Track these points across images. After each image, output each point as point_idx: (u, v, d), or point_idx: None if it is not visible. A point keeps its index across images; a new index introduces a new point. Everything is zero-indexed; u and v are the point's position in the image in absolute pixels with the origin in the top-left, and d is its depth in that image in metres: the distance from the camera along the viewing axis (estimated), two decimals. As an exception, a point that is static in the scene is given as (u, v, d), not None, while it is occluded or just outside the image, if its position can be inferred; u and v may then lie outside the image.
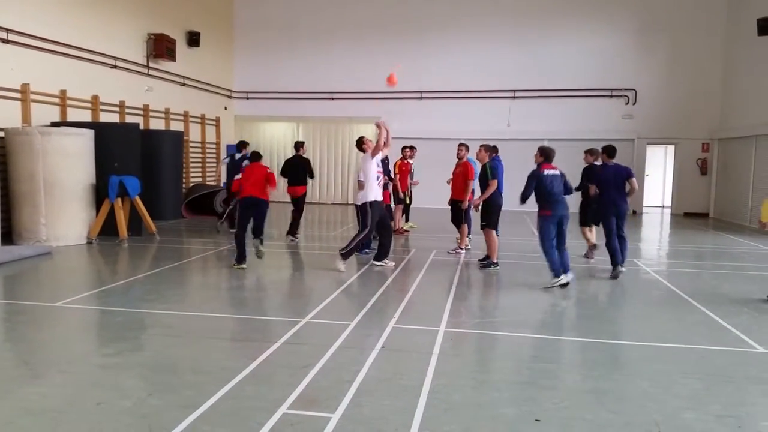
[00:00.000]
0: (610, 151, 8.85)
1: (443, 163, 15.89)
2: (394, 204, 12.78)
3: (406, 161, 12.71)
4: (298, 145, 11.68)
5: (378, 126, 8.80)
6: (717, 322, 6.13)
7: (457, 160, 10.20)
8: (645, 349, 5.24)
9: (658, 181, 20.87)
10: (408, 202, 13.16)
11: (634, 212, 18.57)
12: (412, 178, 13.21)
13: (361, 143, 9.13)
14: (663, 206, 20.68)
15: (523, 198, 7.83)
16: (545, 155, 8.03)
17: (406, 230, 12.90)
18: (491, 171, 9.00)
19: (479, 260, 9.25)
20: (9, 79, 11.07)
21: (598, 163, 9.29)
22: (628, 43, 18.43)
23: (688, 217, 17.64)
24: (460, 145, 10.23)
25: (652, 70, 18.31)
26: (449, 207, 10.36)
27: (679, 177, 18.64)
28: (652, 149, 19.29)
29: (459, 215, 10.09)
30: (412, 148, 12.94)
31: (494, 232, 9.00)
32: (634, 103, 18.47)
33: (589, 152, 9.85)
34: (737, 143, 16.76)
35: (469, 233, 10.36)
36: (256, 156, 9.21)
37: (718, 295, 7.42)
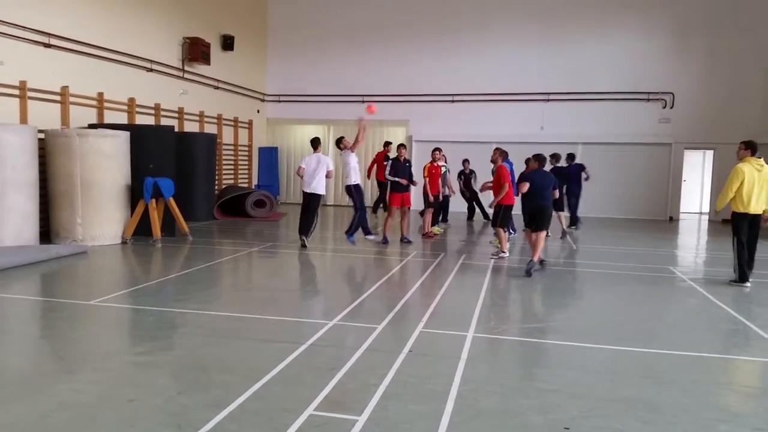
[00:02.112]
0: (572, 156, 13.90)
1: (475, 167, 15.84)
2: (424, 207, 12.75)
3: (435, 164, 12.65)
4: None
5: (359, 124, 10.97)
6: (755, 332, 5.95)
7: (491, 164, 10.66)
8: (679, 359, 5.11)
9: (695, 186, 20.38)
10: (440, 203, 13.14)
11: (671, 218, 18.19)
12: (444, 182, 13.19)
13: (339, 142, 11.14)
14: (701, 212, 20.20)
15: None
16: (539, 160, 9.89)
17: (435, 234, 12.83)
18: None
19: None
20: (49, 82, 11.38)
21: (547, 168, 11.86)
22: (665, 45, 18.05)
23: (726, 223, 17.12)
24: (495, 149, 10.69)
25: (690, 72, 17.90)
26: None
27: (717, 183, 18.12)
28: (689, 154, 18.86)
29: (496, 218, 10.18)
30: (439, 150, 12.89)
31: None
32: (671, 107, 18.09)
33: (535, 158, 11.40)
34: (779, 148, 16.26)
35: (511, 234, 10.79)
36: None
37: (757, 304, 7.21)
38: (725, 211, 8.94)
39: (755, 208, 8.08)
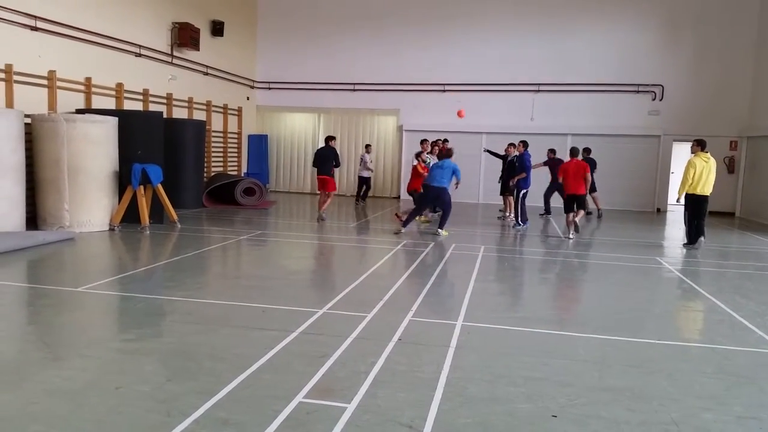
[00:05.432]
0: (586, 150, 14.33)
1: (466, 157, 15.85)
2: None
3: (422, 164, 12.81)
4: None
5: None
6: (740, 322, 6.02)
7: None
8: (665, 348, 5.16)
9: (683, 178, 20.48)
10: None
11: (659, 210, 18.32)
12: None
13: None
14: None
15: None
16: (572, 153, 11.93)
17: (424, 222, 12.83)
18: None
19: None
20: (36, 66, 11.23)
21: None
22: (655, 38, 18.10)
23: (713, 216, 17.23)
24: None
25: (680, 65, 17.97)
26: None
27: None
28: (678, 146, 18.94)
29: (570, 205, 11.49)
30: (427, 141, 13.14)
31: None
32: (660, 99, 18.16)
33: (513, 145, 13.58)
34: (767, 142, 16.40)
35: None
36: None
37: (742, 295, 7.29)
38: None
39: (702, 190, 10.28)
